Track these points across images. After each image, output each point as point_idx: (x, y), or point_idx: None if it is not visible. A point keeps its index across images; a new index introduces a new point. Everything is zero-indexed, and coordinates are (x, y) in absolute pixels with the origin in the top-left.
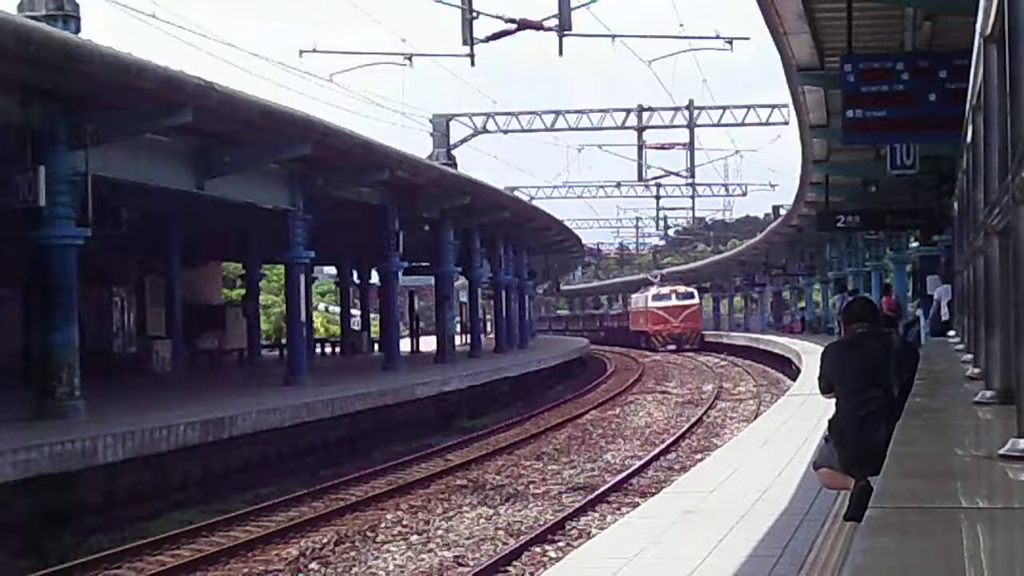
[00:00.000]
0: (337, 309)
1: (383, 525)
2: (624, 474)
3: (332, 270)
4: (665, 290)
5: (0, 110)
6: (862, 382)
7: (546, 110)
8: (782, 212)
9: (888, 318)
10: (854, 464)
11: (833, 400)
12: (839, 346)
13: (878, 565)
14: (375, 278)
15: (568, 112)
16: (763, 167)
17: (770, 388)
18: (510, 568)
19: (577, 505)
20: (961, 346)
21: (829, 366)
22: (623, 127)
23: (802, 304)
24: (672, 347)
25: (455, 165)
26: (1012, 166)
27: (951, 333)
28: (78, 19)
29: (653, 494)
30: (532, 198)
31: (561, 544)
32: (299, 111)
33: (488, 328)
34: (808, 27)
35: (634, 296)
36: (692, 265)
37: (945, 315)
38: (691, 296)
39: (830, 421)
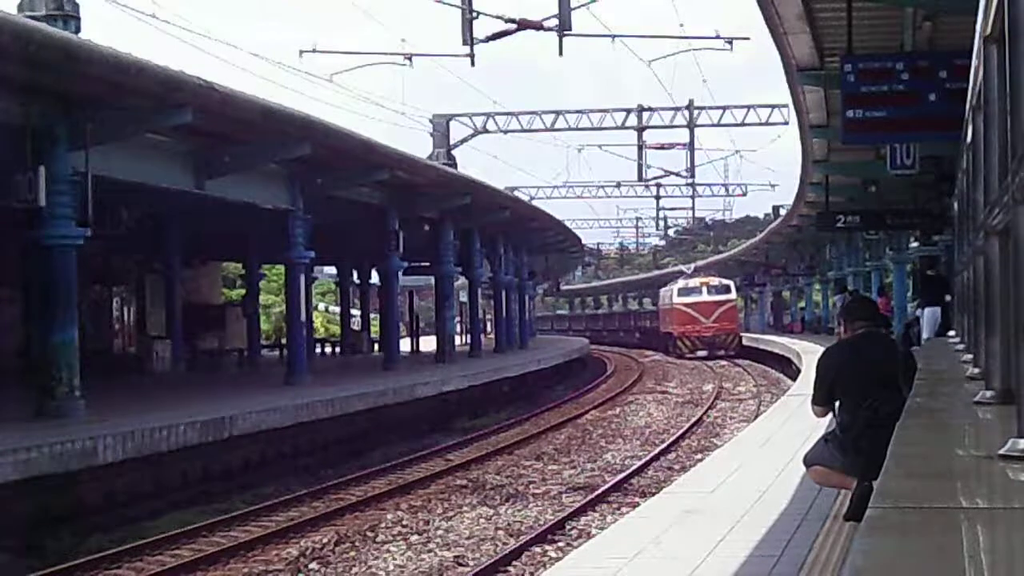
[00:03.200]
0: (337, 309)
1: (383, 525)
2: (624, 474)
3: (332, 270)
4: (694, 283)
5: (0, 110)
6: (875, 383)
7: (546, 110)
8: (782, 212)
9: (883, 318)
10: (872, 468)
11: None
12: (844, 347)
13: (878, 565)
14: (375, 278)
15: (568, 112)
16: (763, 167)
17: (770, 388)
18: (510, 568)
19: (577, 505)
20: (961, 346)
21: (833, 370)
22: (623, 127)
23: (802, 304)
24: (702, 353)
25: (455, 165)
26: (1012, 166)
27: (951, 333)
28: (78, 19)
29: (653, 494)
30: (532, 198)
31: (561, 544)
32: (299, 111)
33: (488, 328)
34: (808, 27)
35: (662, 291)
36: (665, 272)
37: (924, 335)
38: (727, 290)
39: (840, 424)
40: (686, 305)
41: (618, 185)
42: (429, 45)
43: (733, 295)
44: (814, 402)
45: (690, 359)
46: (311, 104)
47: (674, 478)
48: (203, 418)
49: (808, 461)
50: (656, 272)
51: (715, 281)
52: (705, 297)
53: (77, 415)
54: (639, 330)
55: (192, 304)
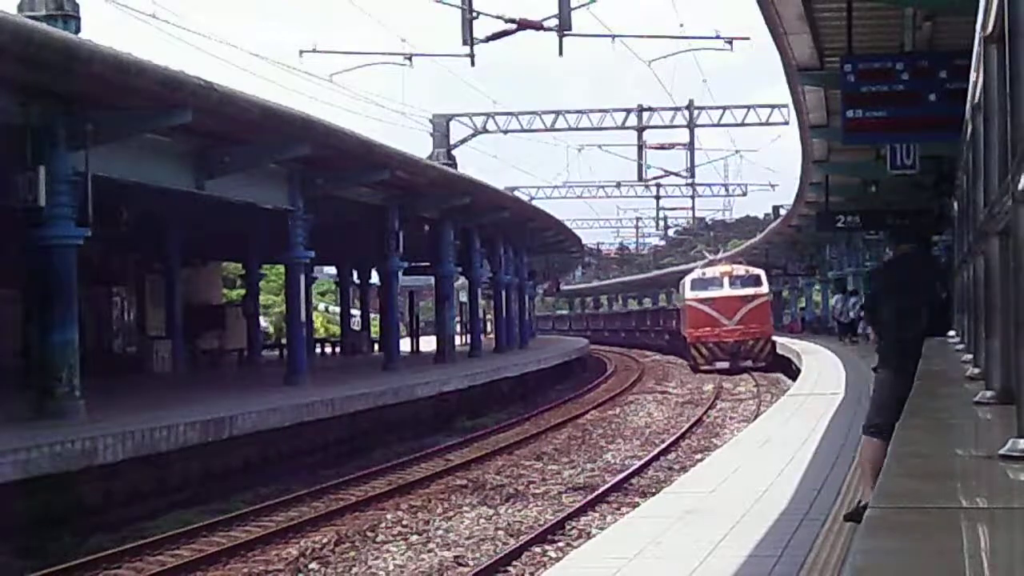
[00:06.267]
0: (337, 309)
1: (383, 525)
2: (624, 474)
3: (332, 270)
4: (712, 272)
5: (0, 110)
6: (905, 300)
7: (546, 110)
8: (782, 212)
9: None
10: (894, 356)
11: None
12: (884, 267)
13: (878, 565)
14: (375, 278)
15: (568, 112)
16: (763, 167)
17: (770, 388)
18: (510, 568)
19: (577, 505)
20: (961, 346)
21: (876, 282)
22: (623, 127)
23: (802, 304)
24: (723, 364)
25: (455, 165)
26: (1012, 166)
27: (951, 333)
28: (78, 19)
29: (653, 494)
30: (532, 198)
31: (561, 544)
32: (299, 111)
33: (488, 328)
34: (808, 27)
35: (680, 284)
36: (692, 266)
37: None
38: (756, 281)
39: (878, 344)
40: (701, 301)
41: (618, 185)
42: (429, 45)
43: (765, 288)
44: (866, 320)
45: (707, 371)
46: (311, 104)
47: (674, 478)
48: (203, 418)
49: (864, 426)
50: (676, 267)
51: (740, 270)
52: (727, 291)
53: (77, 415)
54: (668, 332)
55: (192, 304)
